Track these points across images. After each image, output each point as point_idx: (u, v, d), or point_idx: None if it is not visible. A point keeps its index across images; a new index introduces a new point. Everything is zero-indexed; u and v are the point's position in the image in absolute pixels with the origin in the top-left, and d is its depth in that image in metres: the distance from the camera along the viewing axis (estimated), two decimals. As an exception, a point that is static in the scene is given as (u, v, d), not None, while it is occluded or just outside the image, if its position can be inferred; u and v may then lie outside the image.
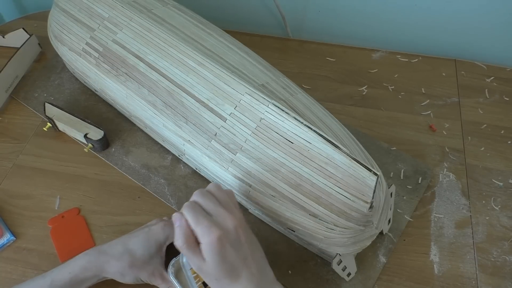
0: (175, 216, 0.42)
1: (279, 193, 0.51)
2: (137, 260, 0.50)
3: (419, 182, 0.65)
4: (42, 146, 0.69)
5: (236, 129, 0.52)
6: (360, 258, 0.58)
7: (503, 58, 0.83)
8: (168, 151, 0.67)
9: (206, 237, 0.40)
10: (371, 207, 0.49)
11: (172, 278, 0.49)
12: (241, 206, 0.62)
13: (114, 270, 0.50)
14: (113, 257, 0.50)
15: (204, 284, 0.48)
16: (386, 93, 0.78)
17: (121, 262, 0.49)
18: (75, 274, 0.49)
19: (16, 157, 0.67)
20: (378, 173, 0.48)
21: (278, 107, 0.51)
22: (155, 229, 0.52)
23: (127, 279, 0.51)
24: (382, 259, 0.58)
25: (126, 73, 0.60)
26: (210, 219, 0.41)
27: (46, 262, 0.57)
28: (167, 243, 0.52)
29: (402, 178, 0.65)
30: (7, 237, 0.59)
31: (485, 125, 0.73)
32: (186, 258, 0.47)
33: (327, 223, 0.50)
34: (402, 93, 0.78)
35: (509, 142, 0.71)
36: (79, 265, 0.49)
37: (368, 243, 0.56)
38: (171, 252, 0.51)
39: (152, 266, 0.50)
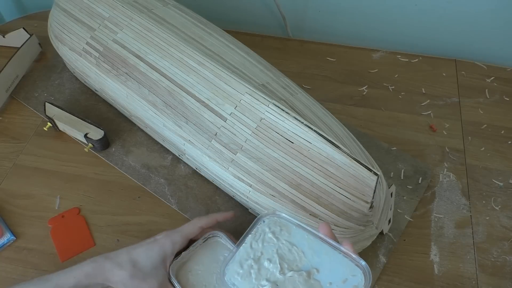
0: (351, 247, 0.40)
1: (279, 193, 0.51)
2: (139, 271, 0.48)
3: (419, 182, 0.65)
4: (42, 146, 0.69)
5: (237, 129, 0.52)
6: (360, 258, 0.58)
7: (503, 58, 0.83)
8: (168, 151, 0.67)
9: None
10: (371, 207, 0.49)
11: (174, 281, 0.48)
12: (241, 206, 0.62)
13: (116, 279, 0.48)
14: (117, 265, 0.48)
15: None
16: (386, 93, 0.78)
17: (123, 271, 0.48)
18: (80, 279, 0.47)
19: (16, 157, 0.67)
20: (378, 173, 0.48)
21: (279, 107, 0.51)
22: (160, 240, 0.50)
23: None
24: (382, 259, 0.58)
25: (126, 73, 0.60)
26: None
27: (46, 262, 0.57)
28: (175, 250, 0.50)
29: (402, 178, 0.65)
30: (7, 237, 0.59)
31: (485, 125, 0.73)
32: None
33: (327, 223, 0.50)
34: (402, 93, 0.78)
35: (509, 142, 0.71)
36: (85, 271, 0.48)
37: (368, 243, 0.56)
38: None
39: (154, 279, 0.48)
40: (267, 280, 0.39)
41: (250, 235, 0.42)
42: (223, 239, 0.53)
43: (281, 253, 0.40)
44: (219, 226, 0.55)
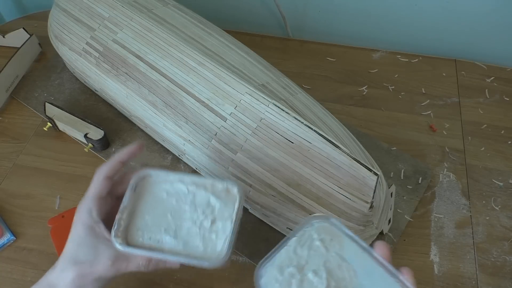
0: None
1: (279, 193, 0.51)
2: (82, 264, 0.40)
3: (419, 182, 0.65)
4: (42, 146, 0.69)
5: (237, 129, 0.52)
6: (360, 258, 0.58)
7: (503, 58, 0.83)
8: (168, 151, 0.67)
9: None
10: (371, 207, 0.49)
11: (128, 249, 0.40)
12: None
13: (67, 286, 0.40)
14: (60, 271, 0.41)
15: None
16: (386, 93, 0.78)
17: (67, 273, 0.40)
18: None
19: (16, 157, 0.67)
20: (378, 173, 0.48)
21: (279, 107, 0.51)
22: (75, 219, 0.41)
23: None
24: (382, 259, 0.58)
25: (126, 73, 0.60)
26: None
27: (46, 262, 0.57)
28: (97, 216, 0.41)
29: (402, 178, 0.65)
30: (7, 237, 0.59)
31: (485, 125, 0.73)
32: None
33: (327, 223, 0.50)
34: (402, 93, 0.78)
35: (509, 142, 0.71)
36: None
37: (368, 243, 0.56)
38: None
39: (103, 258, 0.40)
40: None
41: (295, 238, 0.37)
42: (153, 174, 0.44)
43: (329, 267, 0.35)
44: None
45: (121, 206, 0.42)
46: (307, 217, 0.39)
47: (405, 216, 0.62)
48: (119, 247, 0.39)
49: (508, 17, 0.77)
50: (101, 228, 0.41)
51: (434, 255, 0.59)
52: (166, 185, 0.43)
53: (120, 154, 0.43)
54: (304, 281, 0.35)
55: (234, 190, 0.42)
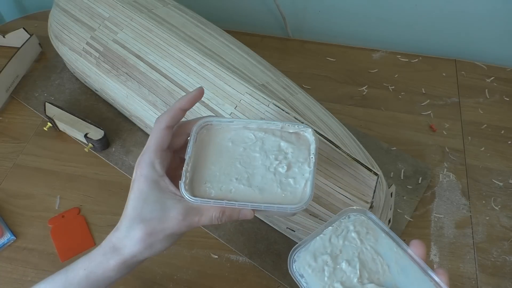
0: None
1: (279, 193, 0.51)
2: (151, 220, 0.37)
3: (419, 182, 0.65)
4: (42, 146, 0.69)
5: (236, 129, 0.52)
6: (360, 258, 0.58)
7: (503, 58, 0.83)
8: (168, 151, 0.67)
9: None
10: (371, 207, 0.49)
11: (202, 201, 0.37)
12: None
13: (133, 250, 0.38)
14: (126, 232, 0.38)
15: None
16: (386, 93, 0.78)
17: (137, 231, 0.37)
18: (91, 270, 0.39)
19: (16, 157, 0.67)
20: (378, 173, 0.48)
21: (279, 107, 0.51)
22: (137, 174, 0.38)
23: (160, 246, 0.38)
24: (382, 259, 0.58)
25: (126, 73, 0.60)
26: None
27: (46, 262, 0.57)
28: (161, 170, 0.38)
29: (402, 178, 0.65)
30: (7, 236, 0.59)
31: (485, 125, 0.73)
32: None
33: (327, 223, 0.50)
34: (402, 93, 0.78)
35: (509, 142, 0.71)
36: (97, 259, 0.40)
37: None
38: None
39: (173, 212, 0.37)
40: (342, 284, 0.34)
41: (331, 228, 0.37)
42: (214, 123, 0.42)
43: (363, 258, 0.36)
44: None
45: (187, 156, 0.39)
46: (344, 208, 0.38)
47: (405, 216, 0.62)
48: (191, 199, 0.37)
49: (508, 17, 0.77)
50: (166, 181, 0.38)
51: (434, 255, 0.59)
52: (229, 133, 0.41)
53: (181, 101, 0.40)
54: (337, 269, 0.35)
55: (306, 134, 0.41)
